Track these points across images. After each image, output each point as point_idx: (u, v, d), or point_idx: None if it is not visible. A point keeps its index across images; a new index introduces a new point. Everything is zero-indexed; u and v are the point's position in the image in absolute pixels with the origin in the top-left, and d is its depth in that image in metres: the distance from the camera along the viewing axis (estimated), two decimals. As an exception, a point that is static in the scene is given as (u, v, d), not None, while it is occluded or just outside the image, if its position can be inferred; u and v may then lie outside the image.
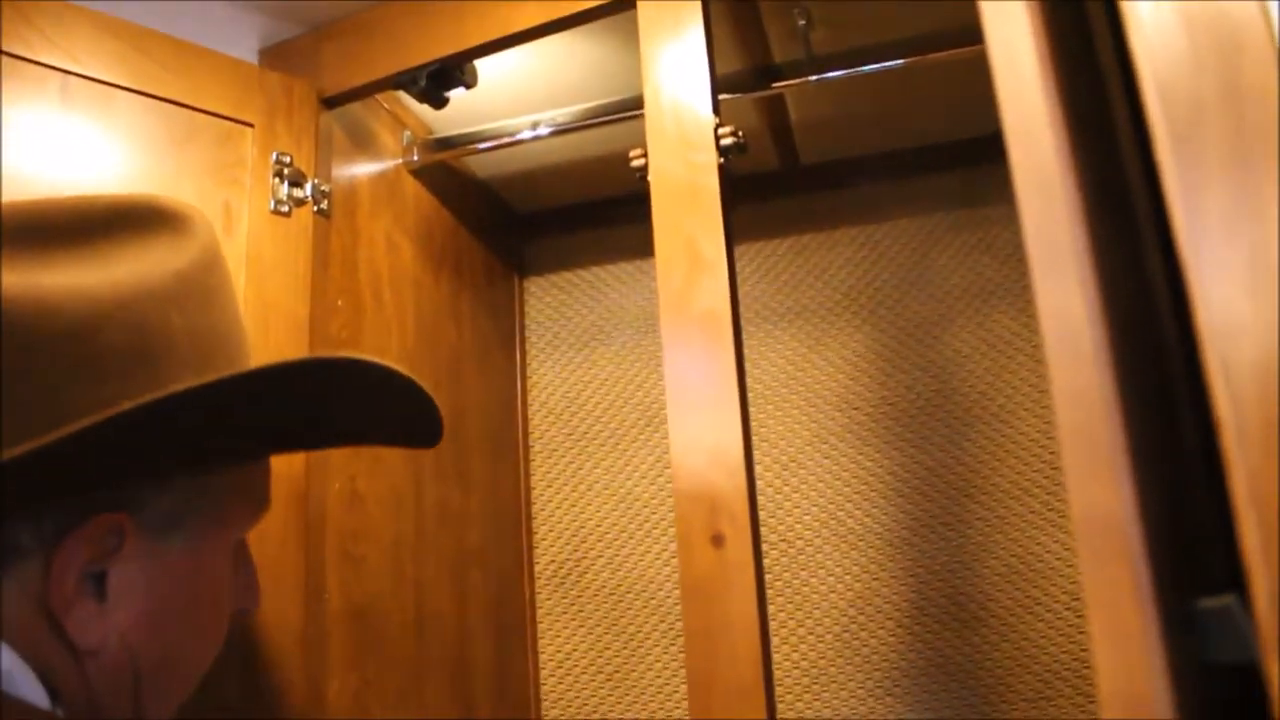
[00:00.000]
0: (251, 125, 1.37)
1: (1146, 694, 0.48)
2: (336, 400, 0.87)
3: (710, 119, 1.21)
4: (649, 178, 1.22)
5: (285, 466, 1.29)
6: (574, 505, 1.99)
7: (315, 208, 1.39)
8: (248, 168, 1.35)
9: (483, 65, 1.50)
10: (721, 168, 1.20)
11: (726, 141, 1.21)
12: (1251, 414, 0.45)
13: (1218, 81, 0.50)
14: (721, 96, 1.29)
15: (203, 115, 1.32)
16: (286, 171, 1.37)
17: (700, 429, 1.10)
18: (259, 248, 1.33)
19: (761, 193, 1.99)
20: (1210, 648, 0.50)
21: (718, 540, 1.07)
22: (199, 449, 0.80)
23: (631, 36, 1.31)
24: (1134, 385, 0.55)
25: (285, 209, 1.36)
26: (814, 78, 1.52)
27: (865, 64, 1.50)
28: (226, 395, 0.75)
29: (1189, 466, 0.57)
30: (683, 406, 1.12)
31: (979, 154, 1.87)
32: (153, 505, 0.78)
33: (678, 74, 1.24)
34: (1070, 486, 0.50)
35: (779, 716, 1.79)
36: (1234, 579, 0.50)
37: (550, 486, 2.01)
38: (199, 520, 0.81)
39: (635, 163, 1.25)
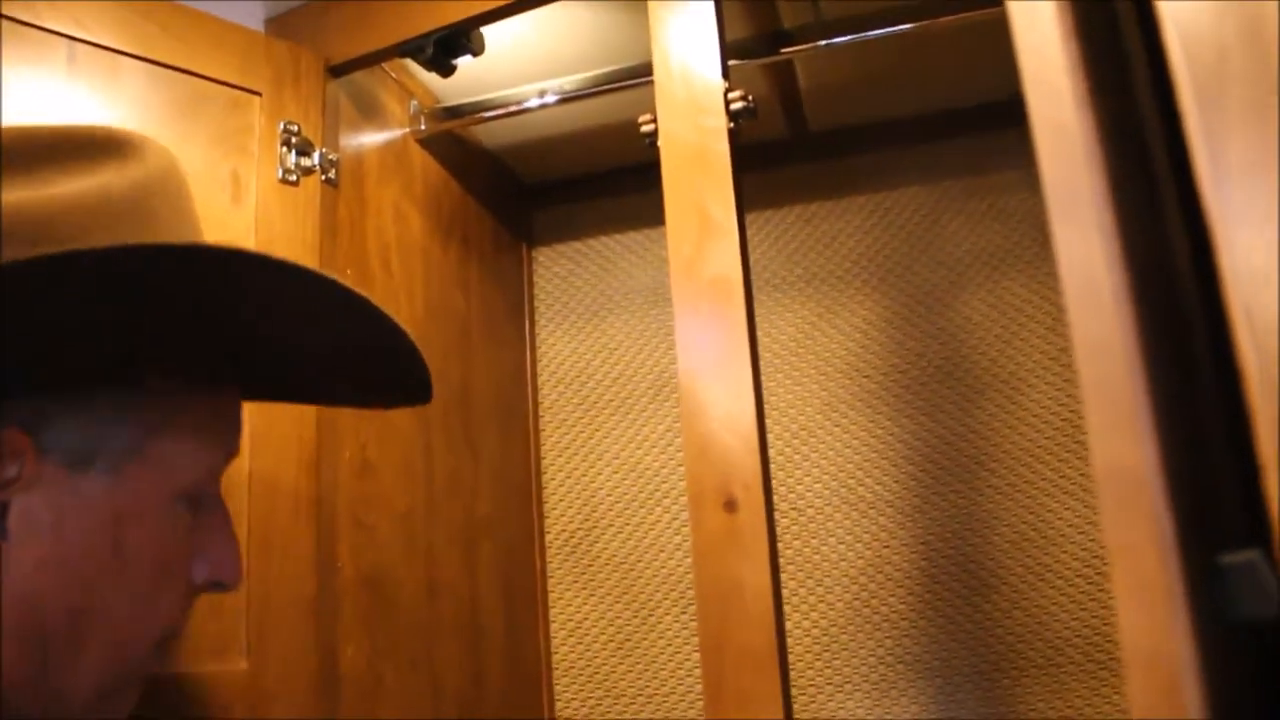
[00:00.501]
0: (259, 94, 1.36)
1: (1171, 650, 0.48)
2: (271, 316, 0.77)
3: (720, 83, 1.21)
4: (659, 143, 1.21)
5: (296, 433, 1.29)
6: (584, 474, 1.99)
7: (323, 177, 1.39)
8: (255, 136, 1.34)
9: (490, 33, 1.49)
10: (732, 132, 1.19)
11: (736, 106, 1.20)
12: (1276, 364, 0.44)
13: (1241, 26, 0.49)
14: (730, 63, 1.28)
15: (209, 83, 1.31)
16: (294, 140, 1.37)
17: (712, 393, 1.10)
18: (267, 217, 1.32)
19: (770, 160, 1.98)
20: (1234, 603, 0.49)
21: (730, 505, 1.07)
22: (84, 356, 0.69)
23: (639, 2, 1.30)
24: (1154, 338, 0.54)
25: (293, 178, 1.36)
26: (823, 43, 1.51)
27: (874, 29, 1.49)
28: (77, 271, 0.63)
29: (1208, 420, 0.57)
30: (694, 371, 1.11)
31: (989, 120, 1.86)
32: (61, 427, 0.69)
33: (687, 37, 1.23)
34: (1092, 440, 0.50)
35: (792, 684, 1.79)
36: (1256, 534, 0.49)
37: (560, 456, 2.01)
38: (125, 457, 0.72)
39: (645, 128, 1.24)
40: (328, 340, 0.83)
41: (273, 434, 1.27)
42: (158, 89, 1.27)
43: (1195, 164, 0.49)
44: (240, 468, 1.24)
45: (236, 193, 1.30)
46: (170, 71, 1.28)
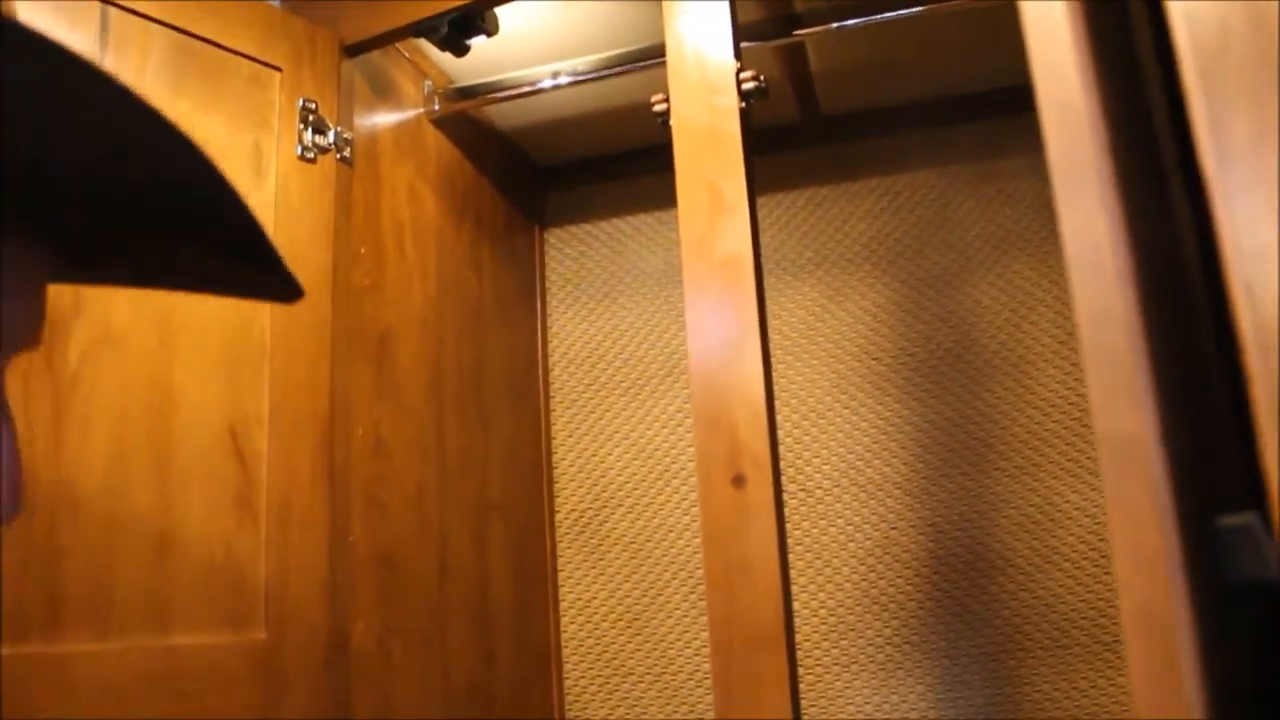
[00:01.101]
0: (280, 70, 1.37)
1: (1167, 610, 0.49)
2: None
3: (732, 64, 1.22)
4: (671, 122, 1.22)
5: (310, 408, 1.30)
6: (594, 455, 2.00)
7: (338, 155, 1.40)
8: (275, 112, 1.35)
9: (504, 13, 1.50)
10: (743, 112, 1.20)
11: (748, 86, 1.21)
12: (1275, 332, 0.45)
13: (1244, 9, 0.50)
14: (743, 45, 1.29)
15: (234, 56, 1.33)
16: (311, 118, 1.38)
17: (722, 368, 1.11)
18: (287, 193, 1.34)
19: (782, 144, 1.99)
20: (1231, 565, 0.50)
21: (739, 481, 1.09)
22: None
23: (653, -17, 1.31)
24: (1159, 311, 0.55)
25: (311, 156, 1.37)
26: (834, 25, 1.52)
27: (886, 12, 1.49)
28: None
29: (1215, 394, 0.58)
30: (705, 345, 1.13)
31: (999, 106, 1.86)
32: None
33: (700, 18, 1.24)
34: (1094, 407, 0.51)
35: (800, 664, 1.81)
36: (1255, 498, 0.50)
37: (571, 436, 2.02)
38: None
39: (657, 108, 1.25)
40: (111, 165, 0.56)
41: (288, 410, 1.28)
42: (186, 58, 1.27)
43: (1198, 142, 0.50)
44: (260, 438, 1.26)
45: (258, 167, 1.32)
46: (198, 42, 1.29)
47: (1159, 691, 0.49)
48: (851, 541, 1.84)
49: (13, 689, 0.98)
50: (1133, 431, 0.49)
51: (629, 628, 1.93)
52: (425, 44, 1.52)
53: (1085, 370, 0.51)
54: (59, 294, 1.09)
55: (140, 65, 1.23)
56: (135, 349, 1.16)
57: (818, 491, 1.87)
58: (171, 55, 1.26)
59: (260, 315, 1.29)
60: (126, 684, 1.09)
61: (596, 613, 1.95)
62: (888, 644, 1.80)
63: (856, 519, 1.84)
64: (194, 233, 0.64)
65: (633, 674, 1.91)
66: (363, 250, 1.45)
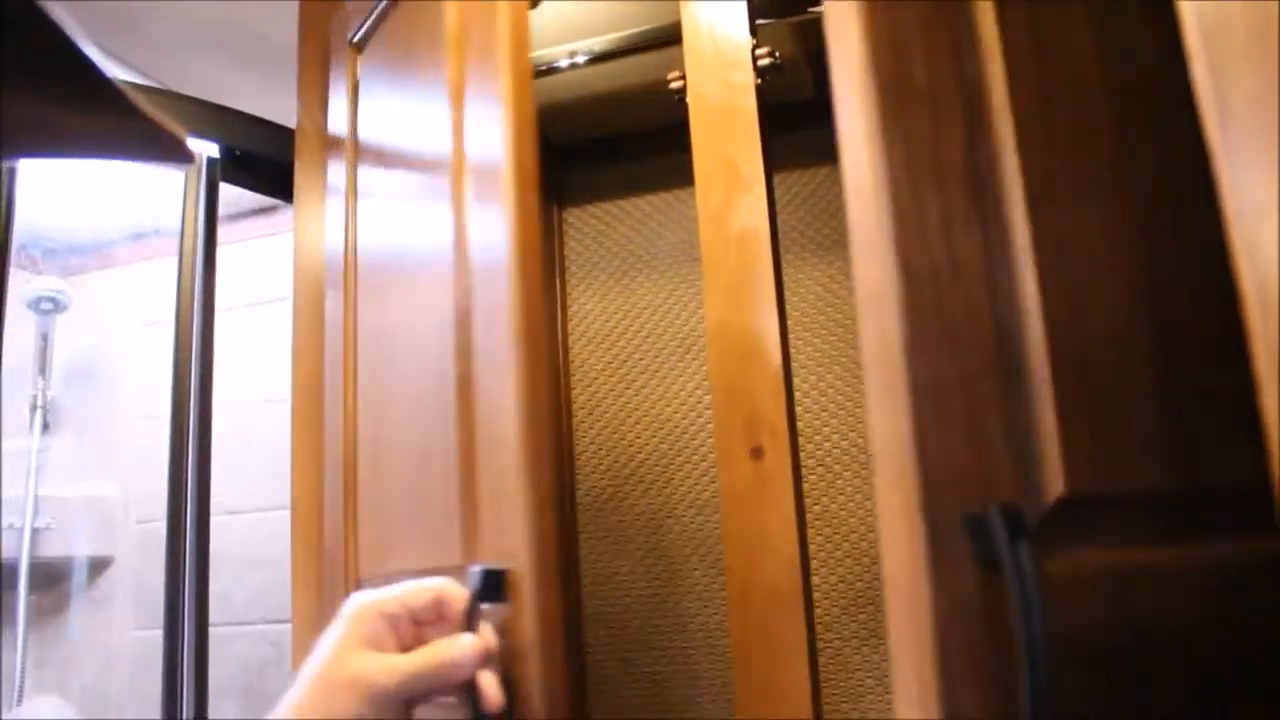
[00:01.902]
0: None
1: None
2: None
3: (747, 40, 1.23)
4: (687, 99, 1.24)
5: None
6: (614, 432, 2.01)
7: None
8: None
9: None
10: (759, 88, 1.21)
11: (763, 62, 1.22)
12: (1274, 289, 0.46)
13: (1247, -31, 0.50)
14: (759, 21, 1.29)
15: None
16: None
17: (739, 340, 1.13)
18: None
19: (799, 121, 1.98)
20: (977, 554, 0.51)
21: (757, 453, 1.10)
22: None
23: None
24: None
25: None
26: (851, 1, 1.52)
27: (903, -14, 1.49)
28: None
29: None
30: (722, 318, 1.14)
31: (1018, 79, 1.86)
32: None
33: (714, -5, 1.26)
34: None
35: (819, 637, 1.82)
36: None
37: (590, 414, 2.04)
38: None
39: (673, 84, 1.26)
40: None
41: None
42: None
43: (1200, 99, 0.50)
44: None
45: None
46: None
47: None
48: (871, 515, 1.85)
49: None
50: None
51: (649, 603, 1.94)
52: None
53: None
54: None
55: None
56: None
57: (836, 466, 1.88)
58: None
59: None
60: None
61: (617, 589, 1.96)
62: (907, 618, 1.81)
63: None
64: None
65: (654, 649, 1.93)
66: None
